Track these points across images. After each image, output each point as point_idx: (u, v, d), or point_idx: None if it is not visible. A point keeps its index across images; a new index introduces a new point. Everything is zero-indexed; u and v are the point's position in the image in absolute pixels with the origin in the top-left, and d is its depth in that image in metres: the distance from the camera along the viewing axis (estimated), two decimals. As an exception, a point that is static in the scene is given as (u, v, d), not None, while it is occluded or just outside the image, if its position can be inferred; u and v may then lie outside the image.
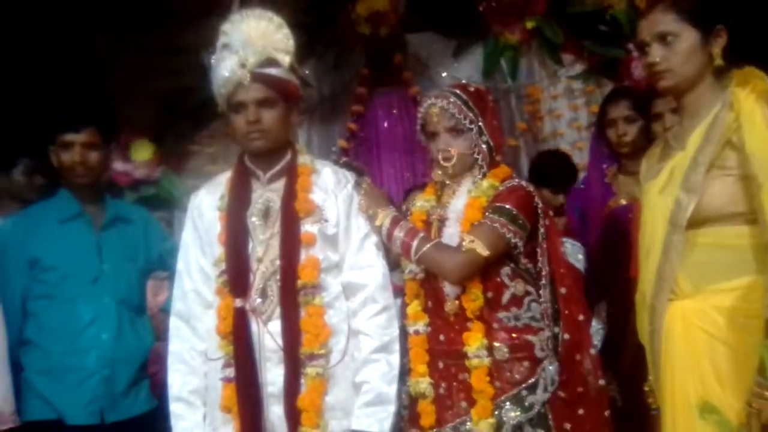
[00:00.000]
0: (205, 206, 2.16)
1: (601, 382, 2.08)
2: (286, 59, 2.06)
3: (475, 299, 2.02)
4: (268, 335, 2.00)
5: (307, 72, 4.10)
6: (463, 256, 1.99)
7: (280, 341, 2.00)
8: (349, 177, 2.20)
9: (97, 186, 2.57)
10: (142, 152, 3.98)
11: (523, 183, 2.13)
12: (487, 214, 2.03)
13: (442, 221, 2.13)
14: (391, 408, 2.04)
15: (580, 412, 2.03)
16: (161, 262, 2.63)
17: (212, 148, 4.15)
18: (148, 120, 4.24)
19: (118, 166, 3.90)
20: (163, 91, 4.24)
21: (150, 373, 2.52)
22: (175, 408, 2.10)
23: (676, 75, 1.86)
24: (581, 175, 3.34)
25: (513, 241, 2.01)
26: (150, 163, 4.00)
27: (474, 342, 2.01)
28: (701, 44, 1.85)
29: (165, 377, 2.15)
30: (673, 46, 1.85)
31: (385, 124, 4.26)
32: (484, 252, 1.97)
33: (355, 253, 2.11)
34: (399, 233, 2.06)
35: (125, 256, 2.51)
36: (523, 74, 4.27)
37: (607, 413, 2.08)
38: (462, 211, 2.09)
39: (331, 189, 2.13)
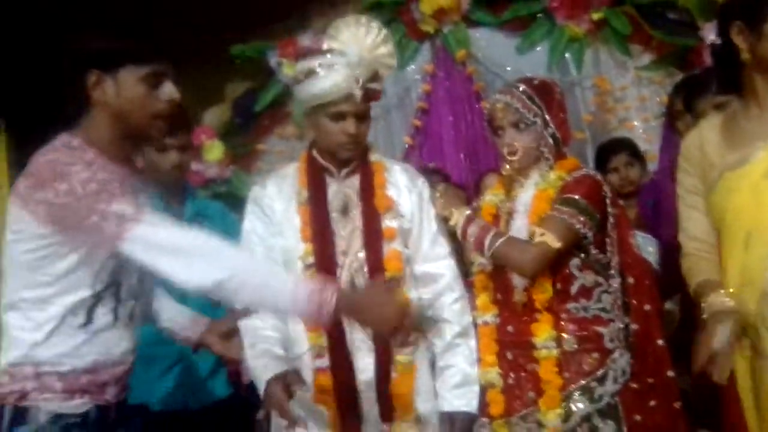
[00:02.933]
0: (274, 197, 2.17)
1: (670, 373, 2.06)
2: (387, 74, 2.11)
3: (544, 291, 2.03)
4: (358, 325, 2.02)
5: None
6: (535, 249, 2.00)
7: (369, 331, 2.04)
8: (419, 174, 2.26)
9: (181, 185, 2.66)
10: (214, 152, 4.10)
11: (591, 172, 2.13)
12: (555, 206, 2.04)
13: (510, 214, 2.15)
14: (476, 388, 2.11)
15: (651, 403, 2.02)
16: None
17: (280, 148, 4.24)
18: (218, 121, 4.36)
19: (192, 166, 4.03)
20: (232, 92, 4.35)
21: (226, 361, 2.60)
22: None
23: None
24: (652, 167, 3.33)
25: (582, 231, 2.01)
26: (221, 162, 4.12)
27: (542, 333, 2.02)
28: None
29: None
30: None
31: (450, 119, 4.26)
32: (556, 244, 1.98)
33: (430, 246, 2.16)
34: (473, 229, 2.09)
35: None
36: (590, 66, 4.21)
37: (677, 405, 2.05)
38: (530, 204, 2.10)
39: (405, 185, 2.18)
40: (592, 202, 2.04)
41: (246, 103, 4.33)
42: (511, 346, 2.10)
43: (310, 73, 2.05)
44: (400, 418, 2.04)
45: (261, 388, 1.99)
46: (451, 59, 4.26)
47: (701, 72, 3.08)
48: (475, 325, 2.15)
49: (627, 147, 3.29)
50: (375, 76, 2.06)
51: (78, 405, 1.71)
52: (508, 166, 2.15)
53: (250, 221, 2.17)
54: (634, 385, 2.02)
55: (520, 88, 2.12)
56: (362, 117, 2.08)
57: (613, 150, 3.29)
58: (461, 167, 4.20)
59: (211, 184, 4.09)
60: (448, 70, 4.28)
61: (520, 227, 2.09)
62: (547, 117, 2.10)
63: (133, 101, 1.74)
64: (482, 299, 2.16)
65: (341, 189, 2.15)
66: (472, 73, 4.24)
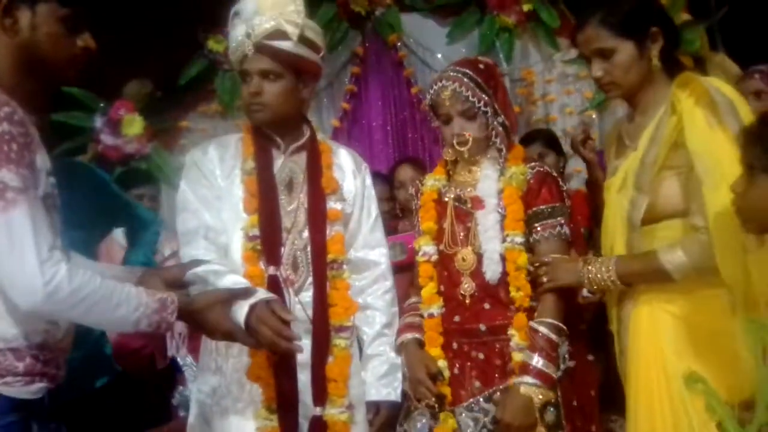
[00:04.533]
0: (216, 161, 2.08)
1: (590, 357, 2.14)
2: (295, 32, 2.00)
3: (521, 288, 2.03)
4: (298, 305, 2.01)
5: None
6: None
7: (309, 312, 2.02)
8: (362, 160, 2.24)
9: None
10: (134, 127, 3.95)
11: (546, 168, 2.14)
12: (541, 224, 2.05)
13: (471, 203, 2.11)
14: (400, 375, 2.13)
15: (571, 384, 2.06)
16: None
17: (204, 126, 4.12)
18: (139, 95, 4.19)
19: (109, 140, 3.88)
20: (155, 66, 4.20)
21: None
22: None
23: (621, 86, 1.91)
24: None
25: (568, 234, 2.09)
26: (140, 138, 3.97)
27: (520, 333, 2.01)
28: (639, 52, 1.88)
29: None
30: (613, 60, 1.88)
31: (379, 104, 4.24)
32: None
33: (369, 232, 2.17)
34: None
35: None
36: (518, 57, 4.26)
37: (593, 392, 2.12)
38: (497, 197, 2.08)
39: (350, 169, 2.17)
40: (562, 201, 2.09)
41: (170, 77, 4.19)
42: (457, 335, 2.09)
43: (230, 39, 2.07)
44: (333, 402, 2.01)
45: (240, 317, 1.74)
46: (381, 43, 4.23)
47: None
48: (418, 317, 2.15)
49: (542, 137, 3.34)
50: (278, 34, 1.99)
51: (35, 390, 1.53)
52: (451, 151, 2.12)
53: (191, 187, 2.07)
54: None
55: (468, 74, 2.07)
56: (266, 76, 2.01)
57: (528, 140, 3.33)
58: (389, 152, 4.19)
59: (130, 159, 3.95)
60: (378, 54, 4.25)
61: (491, 222, 2.06)
62: (496, 105, 2.08)
63: (48, 38, 1.54)
64: (428, 291, 2.13)
65: (287, 164, 2.11)
66: (402, 57, 4.22)
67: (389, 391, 2.11)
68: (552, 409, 1.98)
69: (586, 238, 2.81)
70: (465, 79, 2.05)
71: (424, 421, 2.08)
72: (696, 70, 2.19)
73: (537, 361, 1.95)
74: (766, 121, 1.58)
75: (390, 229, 3.26)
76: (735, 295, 1.71)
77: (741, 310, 1.69)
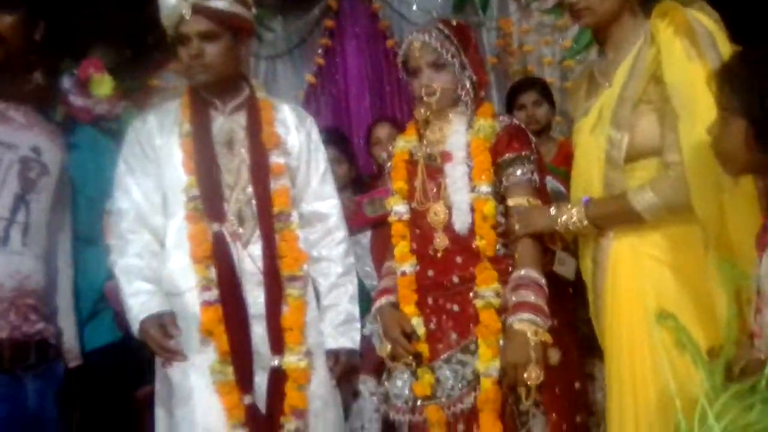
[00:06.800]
0: (155, 131, 2.13)
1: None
2: None
3: (484, 237, 2.02)
4: (248, 259, 2.06)
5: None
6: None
7: (259, 264, 2.05)
8: (307, 114, 2.26)
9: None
10: (103, 87, 3.84)
11: (514, 121, 2.15)
12: (511, 170, 2.03)
13: (441, 157, 2.10)
14: (358, 325, 2.22)
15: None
16: None
17: (175, 84, 4.04)
18: (108, 54, 4.09)
19: (78, 101, 3.77)
20: (124, 24, 4.09)
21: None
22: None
23: (596, 12, 1.86)
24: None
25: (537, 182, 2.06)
26: (111, 98, 3.87)
27: (487, 282, 2.00)
28: None
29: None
30: None
31: (354, 59, 4.17)
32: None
33: (318, 184, 2.21)
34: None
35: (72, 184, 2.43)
36: (495, 7, 4.19)
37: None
38: (465, 150, 2.07)
39: (293, 124, 2.20)
40: (532, 152, 2.07)
41: (140, 35, 4.08)
42: (432, 289, 2.10)
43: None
44: (291, 350, 2.05)
45: (135, 327, 2.00)
46: (356, -5, 4.15)
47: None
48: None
49: (536, 85, 3.33)
50: None
51: None
52: (423, 110, 2.11)
53: (127, 163, 2.13)
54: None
55: (438, 27, 2.09)
56: (206, 37, 2.02)
57: (523, 88, 3.33)
58: (366, 106, 4.13)
59: (100, 120, 3.85)
60: (352, 7, 4.17)
61: (460, 174, 2.06)
62: (465, 59, 2.08)
63: None
64: (400, 249, 2.14)
65: (226, 123, 2.14)
66: (377, 10, 4.14)
67: (346, 339, 2.17)
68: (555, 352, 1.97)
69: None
70: (434, 32, 2.08)
71: (405, 377, 2.09)
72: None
73: (527, 295, 1.92)
74: (738, 60, 1.53)
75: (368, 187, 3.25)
76: (708, 233, 1.69)
77: (713, 249, 1.68)
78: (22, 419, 2.00)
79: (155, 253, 2.10)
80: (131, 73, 4.06)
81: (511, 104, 3.33)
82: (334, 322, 2.18)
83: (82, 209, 2.43)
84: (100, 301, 2.45)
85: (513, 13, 4.20)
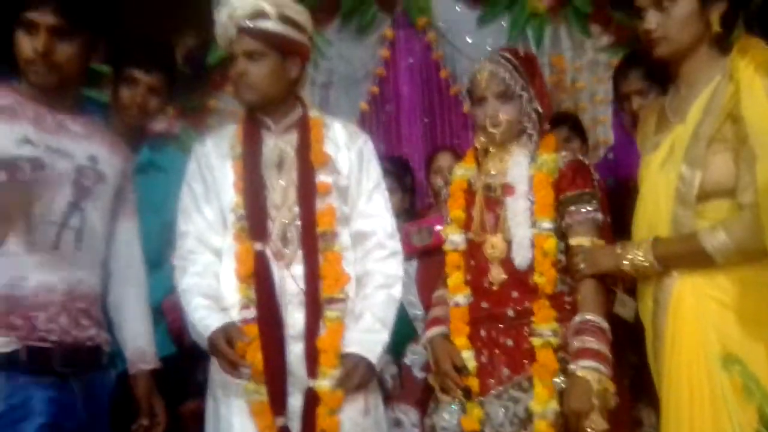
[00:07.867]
0: (212, 155, 2.18)
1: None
2: (273, 11, 2.05)
3: (544, 273, 2.00)
4: (290, 279, 2.06)
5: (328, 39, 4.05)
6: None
7: (301, 285, 2.04)
8: (361, 132, 2.25)
9: (139, 128, 2.63)
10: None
11: (579, 157, 2.13)
12: (574, 208, 2.03)
13: (502, 190, 2.10)
14: (384, 337, 2.08)
15: None
16: None
17: (233, 107, 4.09)
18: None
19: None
20: (184, 44, 4.18)
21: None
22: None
23: (672, 42, 1.81)
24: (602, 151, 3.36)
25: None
26: (169, 117, 3.95)
27: (546, 322, 2.00)
28: (699, 10, 1.79)
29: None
30: (670, 12, 1.79)
31: (407, 89, 4.21)
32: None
33: (365, 202, 2.18)
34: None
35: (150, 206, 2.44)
36: (548, 43, 4.20)
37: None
38: (527, 184, 2.06)
39: (344, 143, 2.18)
40: (595, 189, 2.07)
41: (198, 54, 4.17)
42: (486, 321, 2.09)
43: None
44: (324, 373, 2.02)
45: (203, 340, 2.01)
46: (411, 26, 4.18)
47: (627, 55, 3.06)
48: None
49: (567, 121, 3.30)
50: (258, 14, 2.04)
51: (2, 343, 1.61)
52: (484, 139, 2.11)
53: (189, 186, 2.19)
54: None
55: (506, 56, 2.09)
56: (251, 57, 2.06)
57: (555, 122, 3.23)
58: (418, 136, 4.16)
59: (158, 138, 3.93)
60: (407, 37, 4.21)
61: (522, 208, 2.06)
62: (532, 91, 2.08)
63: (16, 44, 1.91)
64: (454, 280, 2.14)
65: (278, 144, 2.15)
66: (431, 41, 4.17)
67: (366, 348, 2.05)
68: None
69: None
70: (503, 62, 2.07)
71: (453, 410, 2.07)
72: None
73: (590, 342, 1.90)
74: None
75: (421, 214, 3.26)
76: None
77: None
78: (69, 424, 1.97)
79: (216, 273, 2.14)
80: (189, 92, 4.14)
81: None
82: (359, 327, 2.08)
83: (154, 233, 2.41)
84: (154, 315, 2.48)
85: (566, 50, 4.21)
